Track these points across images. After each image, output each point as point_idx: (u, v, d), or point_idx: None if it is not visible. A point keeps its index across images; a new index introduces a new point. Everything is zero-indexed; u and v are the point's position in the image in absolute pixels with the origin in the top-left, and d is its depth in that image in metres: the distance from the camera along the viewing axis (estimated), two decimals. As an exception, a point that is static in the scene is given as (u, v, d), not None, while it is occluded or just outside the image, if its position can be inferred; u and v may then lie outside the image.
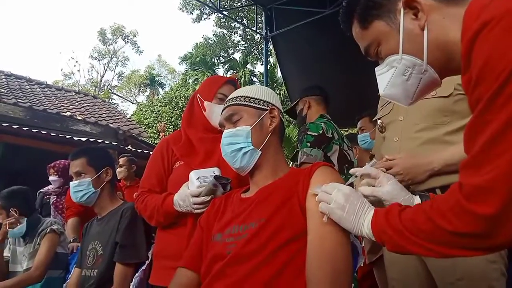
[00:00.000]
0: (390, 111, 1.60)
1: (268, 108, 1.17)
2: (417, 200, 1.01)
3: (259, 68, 20.58)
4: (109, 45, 27.78)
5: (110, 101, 23.83)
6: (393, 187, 1.00)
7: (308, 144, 2.11)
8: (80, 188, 1.76)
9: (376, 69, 0.92)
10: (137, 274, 1.62)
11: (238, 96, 1.19)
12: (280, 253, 0.93)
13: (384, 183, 1.01)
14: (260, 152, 1.14)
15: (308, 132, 2.16)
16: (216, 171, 1.38)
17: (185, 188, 1.36)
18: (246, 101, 1.17)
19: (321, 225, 0.92)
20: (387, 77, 0.88)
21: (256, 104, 1.17)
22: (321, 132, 2.16)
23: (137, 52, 28.40)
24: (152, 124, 20.62)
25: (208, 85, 1.64)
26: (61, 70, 42.11)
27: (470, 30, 0.64)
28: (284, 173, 1.14)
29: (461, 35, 0.69)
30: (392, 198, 0.98)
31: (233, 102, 1.19)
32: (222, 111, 1.21)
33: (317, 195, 0.94)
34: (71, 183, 1.79)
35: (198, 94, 1.62)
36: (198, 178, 1.34)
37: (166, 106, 21.53)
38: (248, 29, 17.56)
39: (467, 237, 0.67)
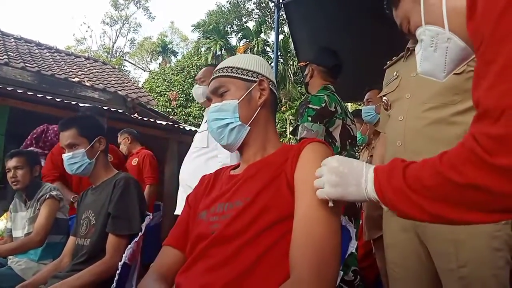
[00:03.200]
0: (396, 88, 1.50)
1: (257, 79, 1.08)
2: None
3: (273, 37, 20.13)
4: (121, 10, 27.46)
5: (122, 68, 23.79)
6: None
7: (309, 119, 1.99)
8: (75, 160, 1.72)
9: (415, 48, 0.91)
10: (129, 246, 1.59)
11: (225, 67, 1.09)
12: (264, 235, 0.87)
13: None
14: (249, 127, 1.05)
15: (310, 106, 2.03)
16: None
17: None
18: (233, 72, 1.07)
19: (309, 208, 0.85)
20: (420, 52, 0.86)
21: (244, 75, 1.07)
22: (323, 105, 2.04)
23: (149, 18, 28.10)
24: (164, 92, 20.64)
25: None
26: (73, 35, 42.18)
27: None
28: (274, 149, 1.06)
29: None
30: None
31: (219, 74, 1.09)
32: (209, 83, 1.12)
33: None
34: (64, 155, 1.74)
35: None
36: None
37: (178, 75, 21.47)
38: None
39: (483, 193, 0.57)
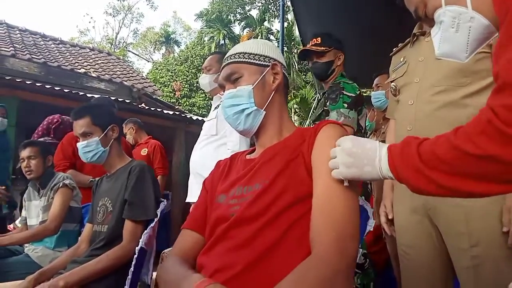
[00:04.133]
0: (404, 73, 1.51)
1: (270, 64, 1.09)
2: None
3: (277, 25, 19.95)
4: (123, 0, 27.30)
5: (126, 59, 23.77)
6: None
7: (345, 105, 1.99)
8: (89, 149, 1.75)
9: (431, 32, 0.89)
10: (146, 231, 1.63)
11: (237, 53, 1.10)
12: (284, 215, 0.90)
13: None
14: (264, 112, 1.07)
15: (345, 92, 2.03)
16: None
17: None
18: (246, 58, 1.08)
19: (327, 187, 0.87)
20: (439, 34, 0.84)
21: (256, 60, 1.08)
22: (358, 93, 2.05)
23: (151, 8, 27.94)
24: (168, 83, 20.60)
25: None
26: (77, 26, 42.19)
27: None
28: (289, 133, 1.08)
29: None
30: None
31: (231, 60, 1.09)
32: (221, 70, 1.13)
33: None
34: (78, 144, 1.78)
35: None
36: None
37: (181, 65, 21.40)
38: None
39: (499, 164, 0.59)
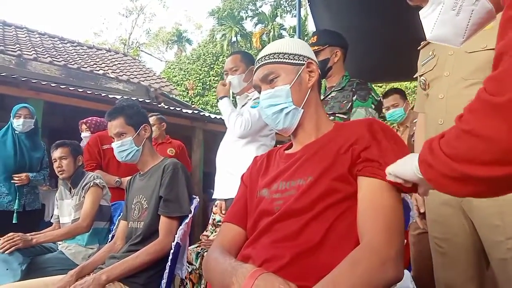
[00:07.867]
0: (434, 67, 1.52)
1: (305, 62, 1.11)
2: None
3: (289, 21, 19.94)
4: (136, 1, 27.58)
5: (139, 59, 24.00)
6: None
7: (373, 106, 2.00)
8: (124, 148, 1.81)
9: (420, 12, 0.83)
10: (181, 227, 1.69)
11: (272, 53, 1.11)
12: (330, 210, 0.93)
13: None
14: (302, 110, 1.09)
15: (373, 94, 2.03)
16: None
17: None
18: (281, 58, 1.10)
19: (375, 183, 0.90)
20: (434, 17, 0.79)
21: (291, 59, 1.10)
22: (379, 99, 2.07)
23: (164, 7, 28.09)
24: (181, 81, 20.73)
25: None
26: (90, 28, 42.73)
27: None
28: (328, 129, 1.10)
29: None
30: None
31: (267, 61, 1.11)
32: (255, 71, 1.15)
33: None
34: (113, 144, 1.83)
35: None
36: None
37: (194, 63, 21.50)
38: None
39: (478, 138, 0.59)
